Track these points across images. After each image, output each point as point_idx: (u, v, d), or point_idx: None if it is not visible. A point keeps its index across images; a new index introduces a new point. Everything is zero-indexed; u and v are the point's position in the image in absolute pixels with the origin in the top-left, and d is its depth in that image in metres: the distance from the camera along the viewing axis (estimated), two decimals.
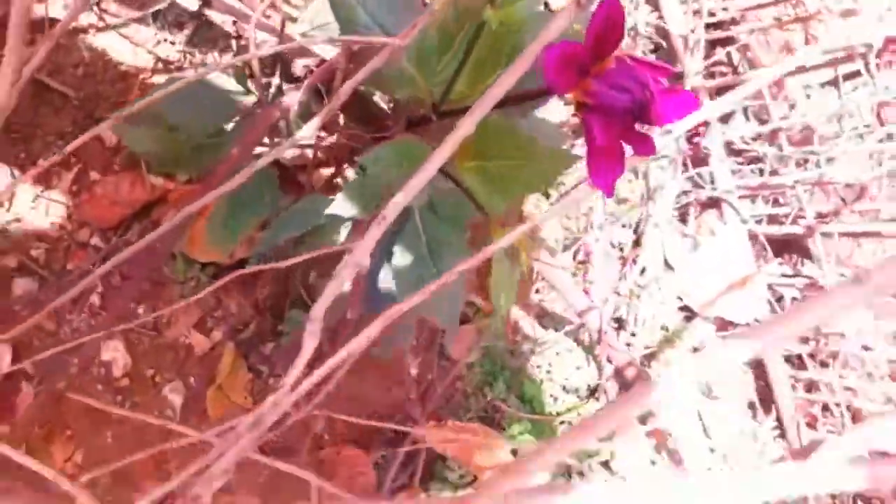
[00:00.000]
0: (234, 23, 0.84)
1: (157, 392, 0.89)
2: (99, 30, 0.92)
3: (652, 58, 1.28)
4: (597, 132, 0.40)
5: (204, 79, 0.68)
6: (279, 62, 0.70)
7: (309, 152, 0.82)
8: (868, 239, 1.35)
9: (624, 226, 1.34)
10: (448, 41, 0.56)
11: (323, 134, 0.74)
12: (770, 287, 1.36)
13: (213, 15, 0.86)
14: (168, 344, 0.89)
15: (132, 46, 0.92)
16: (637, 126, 0.41)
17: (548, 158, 0.54)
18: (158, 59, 0.94)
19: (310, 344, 0.45)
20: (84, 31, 0.91)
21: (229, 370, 0.92)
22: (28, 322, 0.45)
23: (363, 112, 0.70)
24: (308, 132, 0.53)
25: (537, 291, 1.22)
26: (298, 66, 0.77)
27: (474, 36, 0.52)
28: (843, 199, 1.31)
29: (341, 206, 0.58)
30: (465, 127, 0.47)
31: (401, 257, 0.62)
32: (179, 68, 0.93)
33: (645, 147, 0.41)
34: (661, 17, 1.33)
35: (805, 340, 1.31)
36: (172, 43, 0.94)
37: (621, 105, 0.40)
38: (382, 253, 0.64)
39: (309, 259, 0.52)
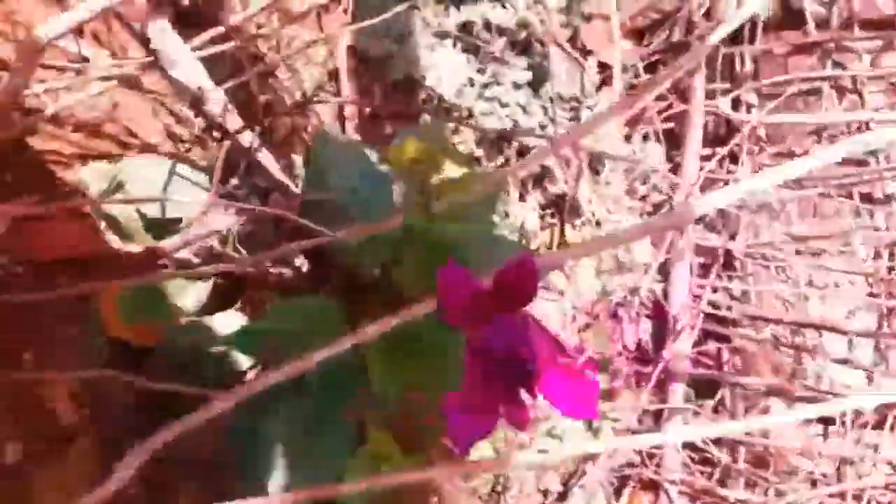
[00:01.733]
0: None
1: None
2: None
3: (631, 328, 1.29)
4: (472, 379, 0.39)
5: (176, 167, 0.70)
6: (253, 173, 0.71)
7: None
8: None
9: (557, 472, 1.29)
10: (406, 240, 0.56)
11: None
12: None
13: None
14: (34, 397, 0.85)
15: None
16: (521, 394, 0.39)
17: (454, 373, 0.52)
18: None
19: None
20: None
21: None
22: None
23: (318, 257, 0.70)
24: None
25: None
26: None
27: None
28: None
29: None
30: (385, 325, 0.47)
31: (277, 423, 0.59)
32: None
33: (517, 418, 0.39)
34: (666, 288, 1.34)
35: None
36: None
37: (502, 365, 0.39)
38: (259, 409, 0.61)
39: None
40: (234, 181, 0.72)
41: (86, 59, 0.93)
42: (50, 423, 0.86)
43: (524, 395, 0.40)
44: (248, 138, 0.68)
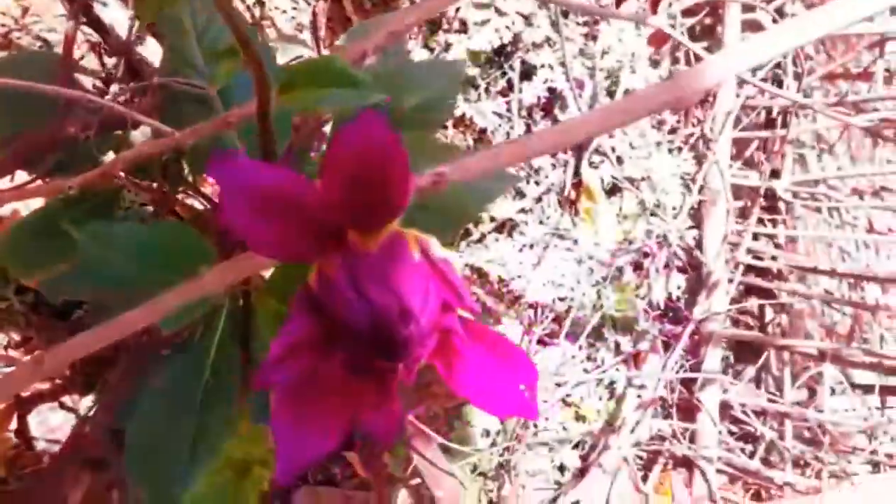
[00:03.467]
0: None
1: None
2: None
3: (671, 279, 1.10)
4: (293, 347, 0.21)
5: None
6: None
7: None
8: None
9: (575, 446, 1.11)
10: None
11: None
12: None
13: None
14: None
15: None
16: (387, 374, 0.21)
17: None
18: None
19: None
20: None
21: None
22: None
23: None
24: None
25: None
26: None
27: None
28: None
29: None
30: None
31: (151, 397, 0.41)
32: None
33: (384, 423, 0.21)
34: (700, 236, 1.15)
35: None
36: None
37: (352, 322, 0.20)
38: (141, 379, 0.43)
39: None
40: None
41: None
42: None
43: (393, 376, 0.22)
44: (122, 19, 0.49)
